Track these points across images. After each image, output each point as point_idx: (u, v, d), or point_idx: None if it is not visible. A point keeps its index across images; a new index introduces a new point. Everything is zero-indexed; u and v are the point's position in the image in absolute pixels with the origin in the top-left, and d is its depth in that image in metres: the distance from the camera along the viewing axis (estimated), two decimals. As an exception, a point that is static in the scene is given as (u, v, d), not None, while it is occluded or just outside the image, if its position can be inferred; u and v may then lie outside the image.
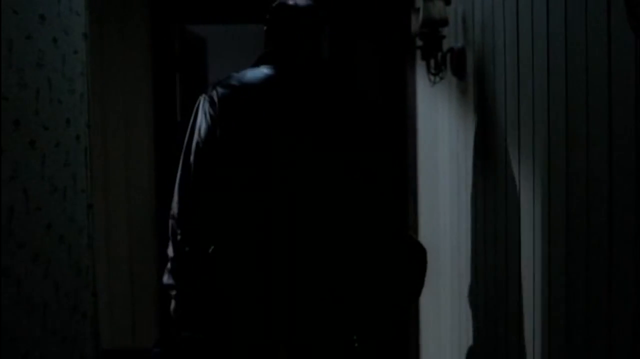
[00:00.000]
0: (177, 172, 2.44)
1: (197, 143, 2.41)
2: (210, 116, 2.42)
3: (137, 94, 4.73)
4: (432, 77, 3.06)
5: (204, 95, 2.49)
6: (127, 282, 4.72)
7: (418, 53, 3.69)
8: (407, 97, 4.14)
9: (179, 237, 2.40)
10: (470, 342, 2.86)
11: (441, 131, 3.30)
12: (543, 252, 2.00)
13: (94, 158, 4.60)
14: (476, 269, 2.75)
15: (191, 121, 2.47)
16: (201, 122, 2.43)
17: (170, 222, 2.44)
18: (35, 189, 2.11)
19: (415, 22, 3.02)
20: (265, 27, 2.59)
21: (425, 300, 3.84)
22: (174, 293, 2.43)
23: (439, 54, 2.99)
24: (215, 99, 2.43)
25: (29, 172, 2.07)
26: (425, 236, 3.79)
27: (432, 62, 3.05)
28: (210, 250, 2.42)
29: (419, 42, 3.05)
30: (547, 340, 1.97)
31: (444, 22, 2.88)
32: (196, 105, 2.50)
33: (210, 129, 2.41)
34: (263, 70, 2.48)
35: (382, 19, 4.77)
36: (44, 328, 2.14)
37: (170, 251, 2.42)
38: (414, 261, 2.56)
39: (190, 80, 5.23)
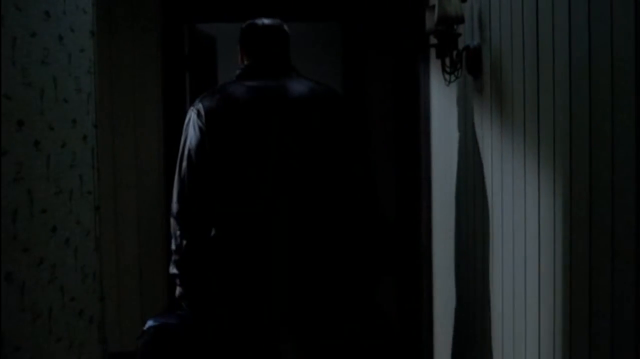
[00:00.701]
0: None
1: (189, 151, 2.80)
2: (199, 126, 2.80)
3: (146, 94, 4.68)
4: (447, 76, 2.98)
5: (192, 108, 2.88)
6: (136, 284, 4.66)
7: (432, 52, 3.61)
8: (421, 97, 4.07)
9: (178, 233, 2.82)
10: (483, 342, 2.79)
11: (456, 133, 3.23)
12: (564, 258, 1.92)
13: (103, 159, 4.56)
14: (491, 272, 2.67)
15: (183, 131, 2.85)
16: (191, 132, 2.82)
17: (171, 220, 2.86)
18: (40, 190, 2.05)
19: (430, 20, 2.94)
20: (239, 46, 3.03)
21: (439, 301, 3.77)
22: (178, 281, 2.86)
23: (455, 53, 2.91)
24: (202, 111, 2.81)
25: (34, 174, 2.01)
26: (439, 237, 3.72)
27: (447, 60, 2.98)
28: (207, 242, 2.83)
29: (434, 40, 2.97)
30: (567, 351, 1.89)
31: (460, 19, 2.80)
32: (186, 117, 2.88)
33: (199, 138, 2.79)
34: (244, 83, 2.89)
35: (394, 17, 4.70)
36: (49, 334, 2.08)
37: (173, 245, 2.83)
38: (382, 236, 3.02)
39: (200, 79, 5.17)
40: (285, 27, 3.08)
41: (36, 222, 2.01)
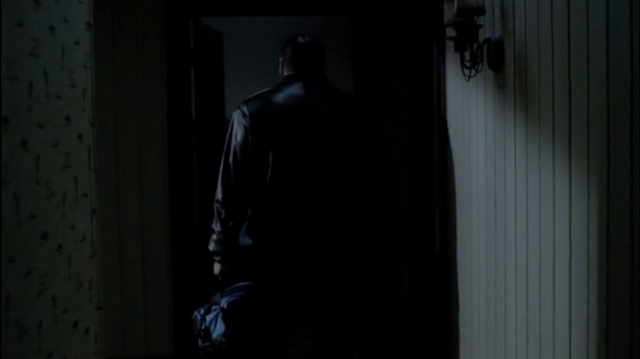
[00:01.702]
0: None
1: (235, 147, 3.38)
2: (243, 125, 3.36)
3: (150, 91, 4.50)
4: (466, 71, 2.80)
5: (237, 109, 3.42)
6: (140, 288, 4.50)
7: (449, 45, 3.44)
8: (435, 93, 3.89)
9: (223, 216, 3.42)
10: (506, 348, 2.62)
11: (475, 128, 3.05)
12: (600, 266, 1.75)
13: (106, 159, 4.42)
14: (515, 279, 2.50)
15: (228, 129, 3.42)
16: (237, 130, 3.38)
17: (215, 205, 3.44)
18: (28, 194, 1.88)
19: (449, 11, 2.77)
20: (281, 58, 3.56)
21: (457, 301, 3.60)
22: (218, 258, 3.52)
23: (475, 46, 2.74)
24: (247, 112, 3.38)
25: (21, 176, 1.84)
26: (455, 238, 3.54)
27: (466, 54, 2.80)
28: (246, 224, 3.44)
29: (451, 33, 2.80)
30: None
31: (481, 10, 2.63)
32: (232, 117, 3.43)
33: (243, 135, 3.36)
34: (283, 91, 3.42)
35: (407, 9, 4.51)
36: (37, 351, 1.91)
37: (217, 226, 3.44)
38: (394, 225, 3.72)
39: (205, 75, 5.01)
40: (322, 42, 3.60)
41: (24, 229, 1.84)
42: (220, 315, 3.52)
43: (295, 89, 3.44)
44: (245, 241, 3.46)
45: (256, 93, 3.49)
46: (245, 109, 3.39)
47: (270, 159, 3.33)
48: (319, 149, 3.38)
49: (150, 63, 4.50)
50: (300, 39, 3.54)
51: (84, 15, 2.34)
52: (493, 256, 2.80)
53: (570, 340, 1.99)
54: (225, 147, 3.42)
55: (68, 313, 2.15)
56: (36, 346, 1.91)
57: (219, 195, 3.43)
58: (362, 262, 3.53)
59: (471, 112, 3.12)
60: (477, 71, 2.78)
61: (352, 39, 4.93)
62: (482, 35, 2.78)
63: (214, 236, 3.47)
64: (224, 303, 3.53)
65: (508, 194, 2.58)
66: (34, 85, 1.91)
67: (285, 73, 3.53)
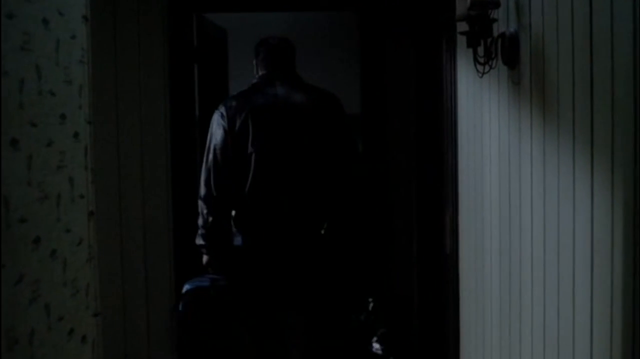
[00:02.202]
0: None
1: (214, 146, 3.61)
2: (222, 126, 3.60)
3: (152, 88, 4.41)
4: (479, 67, 2.69)
5: (216, 110, 3.68)
6: (142, 290, 4.40)
7: (460, 40, 3.33)
8: (445, 90, 3.78)
9: (205, 211, 3.62)
10: (521, 355, 2.51)
11: (488, 127, 2.94)
12: (625, 273, 1.64)
13: (107, 159, 4.33)
14: (532, 288, 2.39)
15: (209, 129, 3.66)
16: (216, 131, 3.62)
17: (199, 201, 3.65)
18: (19, 197, 1.77)
19: (461, 4, 2.65)
20: (255, 60, 3.83)
21: (467, 307, 3.49)
22: (204, 250, 3.71)
23: (489, 40, 2.62)
24: (224, 113, 3.62)
25: (11, 178, 1.73)
26: (466, 242, 3.43)
27: (479, 49, 2.69)
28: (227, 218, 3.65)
29: (463, 28, 2.68)
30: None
31: (496, 3, 2.51)
32: (213, 117, 3.67)
33: (222, 136, 3.59)
34: (258, 90, 3.71)
35: (418, 3, 4.40)
36: (29, 361, 1.81)
37: (200, 221, 3.65)
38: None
39: (209, 73, 4.91)
40: (291, 41, 3.88)
41: (14, 234, 1.74)
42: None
43: (270, 87, 3.71)
44: (237, 241, 3.71)
45: (233, 94, 3.80)
46: (223, 110, 3.65)
47: (251, 157, 3.59)
48: (296, 144, 3.66)
49: (153, 60, 4.40)
50: (271, 40, 3.83)
51: (80, 8, 2.24)
52: (507, 260, 2.69)
53: (592, 350, 1.88)
54: (206, 147, 3.66)
55: (63, 321, 2.04)
56: (28, 356, 1.81)
57: (201, 192, 3.65)
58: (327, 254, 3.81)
59: (484, 110, 3.01)
60: (491, 67, 2.67)
61: (359, 35, 4.83)
62: (496, 29, 2.67)
63: (199, 231, 3.69)
64: (185, 288, 3.83)
65: (523, 195, 2.47)
66: (25, 82, 1.81)
67: (260, 73, 3.79)
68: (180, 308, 3.78)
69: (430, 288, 4.39)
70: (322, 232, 3.77)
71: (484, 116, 2.99)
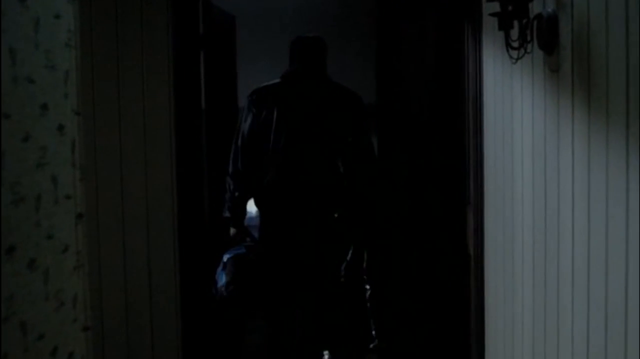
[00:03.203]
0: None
1: (243, 130, 4.07)
2: (252, 111, 4.04)
3: (156, 77, 4.14)
4: (513, 53, 2.42)
5: (249, 96, 4.09)
6: (145, 297, 4.15)
7: (487, 23, 3.07)
8: (471, 78, 3.52)
9: (231, 187, 4.14)
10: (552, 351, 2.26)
11: (520, 119, 2.68)
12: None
13: (107, 153, 4.09)
14: (573, 294, 2.13)
15: (240, 114, 4.17)
16: (247, 114, 4.07)
17: (227, 178, 4.17)
18: (-13, 200, 1.52)
19: (493, -18, 2.38)
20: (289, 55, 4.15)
21: (494, 315, 3.24)
22: (231, 222, 4.23)
23: (524, 22, 2.35)
24: (255, 99, 4.05)
25: (-24, 178, 1.48)
26: (492, 242, 3.17)
27: (512, 33, 2.42)
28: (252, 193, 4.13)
29: (493, 9, 2.42)
30: None
31: (532, -20, 2.25)
32: (246, 101, 4.09)
33: (250, 120, 4.04)
34: (286, 82, 4.07)
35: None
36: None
37: (227, 196, 4.18)
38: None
39: (216, 61, 4.66)
40: (323, 40, 4.17)
41: (-20, 243, 1.49)
42: (221, 268, 4.42)
43: (298, 82, 4.08)
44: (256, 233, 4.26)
45: (265, 83, 4.11)
46: (254, 97, 4.07)
47: (273, 146, 3.99)
48: (315, 138, 4.01)
49: (157, 48, 4.13)
50: (304, 38, 4.15)
51: (65, -15, 1.98)
52: (542, 267, 2.43)
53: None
54: (237, 129, 4.15)
55: (44, 339, 1.80)
56: (-1, 385, 1.56)
57: (229, 169, 4.14)
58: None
59: (514, 100, 2.74)
60: (525, 52, 2.40)
61: (375, 20, 4.58)
62: (531, 10, 2.40)
63: (226, 204, 4.20)
64: (225, 257, 4.43)
65: (563, 197, 2.20)
66: (-5, 66, 1.56)
67: (290, 67, 4.13)
68: (224, 275, 4.43)
69: (451, 289, 4.14)
70: (336, 215, 4.16)
71: (515, 107, 2.73)
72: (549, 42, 2.26)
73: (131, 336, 4.18)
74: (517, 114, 2.70)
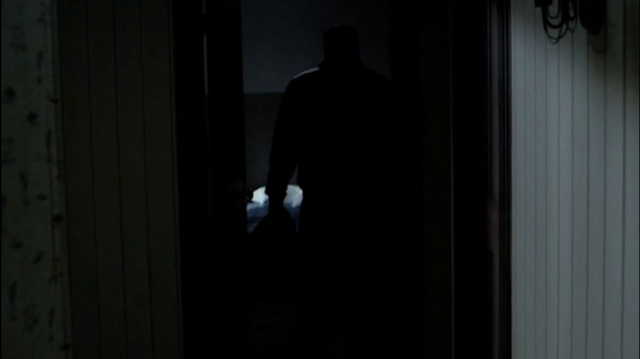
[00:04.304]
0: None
1: (284, 114, 4.40)
2: (291, 97, 4.37)
3: (155, 62, 3.86)
4: (552, 31, 2.14)
5: (290, 83, 4.42)
6: (145, 294, 3.88)
7: (517, 1, 2.78)
8: (490, 58, 3.23)
9: (271, 169, 4.47)
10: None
11: (556, 106, 2.39)
12: None
13: (103, 147, 3.81)
14: (623, 302, 1.85)
15: (281, 103, 4.42)
16: (287, 100, 4.37)
17: (269, 157, 4.48)
18: None
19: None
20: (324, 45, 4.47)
21: (524, 327, 2.96)
22: (269, 202, 4.59)
23: (566, -4, 2.07)
24: (294, 87, 4.38)
25: None
26: (521, 244, 2.89)
27: (550, 9, 2.14)
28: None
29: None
30: None
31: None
32: (287, 88, 4.43)
33: (288, 109, 4.38)
34: (322, 73, 4.39)
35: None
36: None
37: (268, 177, 4.51)
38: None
39: (220, 45, 4.38)
40: (353, 29, 4.43)
41: None
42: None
43: (332, 72, 4.37)
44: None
45: (304, 72, 4.44)
46: (294, 85, 4.40)
47: (310, 133, 4.33)
48: (351, 125, 4.29)
49: (156, 30, 3.84)
50: (336, 28, 4.43)
51: (38, -49, 1.70)
52: (583, 271, 2.15)
53: None
54: (278, 117, 4.45)
55: (10, 365, 1.52)
56: None
57: (271, 150, 4.47)
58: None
59: (549, 87, 2.45)
60: (569, 28, 2.11)
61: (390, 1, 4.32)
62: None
63: (267, 184, 4.55)
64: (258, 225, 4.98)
65: (611, 194, 1.92)
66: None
67: (326, 57, 4.44)
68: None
69: (471, 293, 3.87)
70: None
71: (551, 93, 2.44)
72: (595, 18, 1.98)
73: (130, 340, 3.93)
74: (553, 102, 2.42)
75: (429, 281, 4.34)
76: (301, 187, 4.48)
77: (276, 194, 4.52)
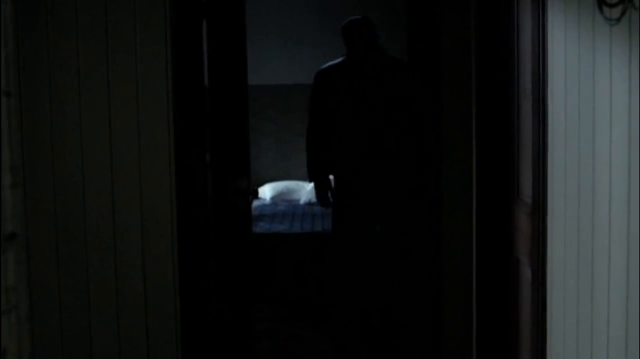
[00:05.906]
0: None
1: (314, 103, 4.68)
2: (319, 87, 4.64)
3: (151, 51, 3.57)
4: (609, 12, 1.80)
5: (317, 73, 4.67)
6: (140, 307, 3.61)
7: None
8: (522, 43, 2.90)
9: (307, 153, 4.80)
10: None
11: (606, 100, 2.06)
12: None
13: (94, 143, 3.54)
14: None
15: (311, 91, 4.71)
16: (316, 90, 4.66)
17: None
18: None
19: None
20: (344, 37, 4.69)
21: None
22: (312, 184, 4.99)
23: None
24: (321, 77, 4.64)
25: None
26: (560, 256, 2.55)
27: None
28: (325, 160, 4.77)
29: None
30: None
31: None
32: (314, 78, 4.69)
33: (317, 96, 4.66)
34: (346, 62, 4.64)
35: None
36: None
37: (307, 169, 4.87)
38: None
39: (222, 32, 4.10)
40: (369, 20, 4.63)
41: None
42: None
43: (355, 63, 4.59)
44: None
45: (330, 63, 4.66)
46: (320, 75, 4.63)
47: (338, 120, 4.55)
48: (372, 105, 4.49)
49: (152, 17, 3.56)
50: (353, 19, 4.63)
51: None
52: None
53: None
54: (310, 100, 4.71)
55: None
56: None
57: (307, 143, 4.77)
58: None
59: (599, 75, 2.11)
60: (624, 12, 1.78)
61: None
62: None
63: (308, 174, 4.87)
64: None
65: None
66: None
67: (348, 48, 4.63)
68: None
69: (494, 301, 3.55)
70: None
71: (600, 83, 2.10)
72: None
73: (123, 346, 3.64)
74: (603, 95, 2.08)
75: (447, 282, 4.04)
76: (333, 174, 4.68)
77: (319, 182, 4.78)
